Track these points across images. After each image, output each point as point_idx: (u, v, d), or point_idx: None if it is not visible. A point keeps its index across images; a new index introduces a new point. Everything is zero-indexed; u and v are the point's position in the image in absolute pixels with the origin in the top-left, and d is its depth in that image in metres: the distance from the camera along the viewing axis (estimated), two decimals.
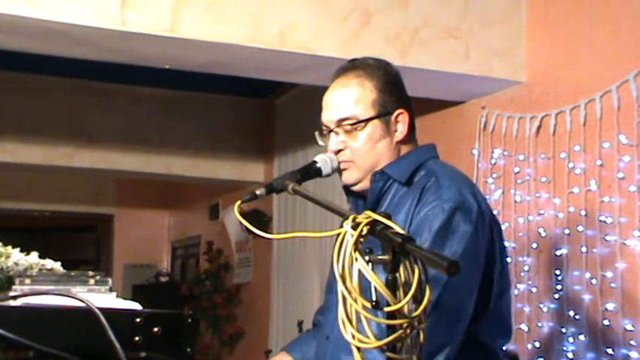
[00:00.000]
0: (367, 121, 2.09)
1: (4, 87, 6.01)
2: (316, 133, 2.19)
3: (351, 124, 2.10)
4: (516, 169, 3.91)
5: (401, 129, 2.13)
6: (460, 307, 1.96)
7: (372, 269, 1.40)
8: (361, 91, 2.11)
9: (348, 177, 2.14)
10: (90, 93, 6.28)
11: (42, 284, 1.81)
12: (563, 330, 3.53)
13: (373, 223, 1.45)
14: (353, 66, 2.16)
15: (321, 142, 2.19)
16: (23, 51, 3.62)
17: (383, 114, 2.10)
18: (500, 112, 4.07)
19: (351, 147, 2.11)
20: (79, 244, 10.52)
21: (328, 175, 2.13)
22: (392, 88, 2.13)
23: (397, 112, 2.12)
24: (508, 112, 4.02)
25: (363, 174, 2.12)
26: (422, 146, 2.20)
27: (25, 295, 1.67)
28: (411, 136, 2.16)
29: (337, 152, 2.12)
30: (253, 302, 7.15)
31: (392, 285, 1.41)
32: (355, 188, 2.16)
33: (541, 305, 3.68)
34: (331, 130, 2.13)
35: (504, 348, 2.22)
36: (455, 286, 1.91)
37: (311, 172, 2.08)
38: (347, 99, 2.11)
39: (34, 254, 2.35)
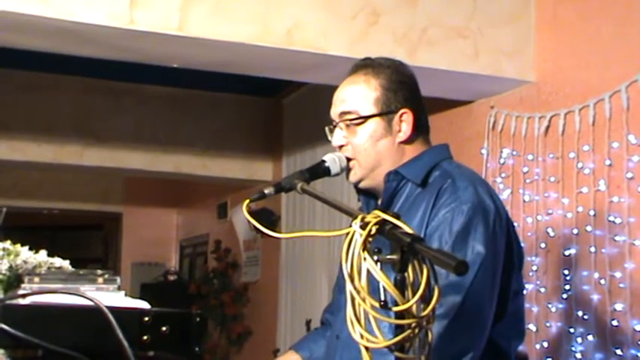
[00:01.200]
0: (367, 117, 2.09)
1: (14, 85, 6.03)
2: (327, 128, 2.19)
3: (351, 119, 2.10)
4: (525, 169, 3.90)
5: (404, 129, 2.10)
6: (483, 310, 1.95)
7: (381, 269, 1.40)
8: (365, 87, 2.11)
9: (351, 176, 2.14)
10: (99, 92, 6.29)
11: (51, 283, 1.81)
12: (572, 330, 3.52)
13: (382, 223, 1.44)
14: (364, 64, 2.17)
15: (330, 137, 2.19)
16: (32, 49, 3.63)
17: (385, 112, 2.09)
18: (509, 111, 4.06)
19: (352, 143, 2.11)
20: (88, 243, 10.55)
21: (337, 175, 2.13)
22: (399, 87, 2.11)
23: (401, 111, 2.10)
24: (517, 111, 4.01)
25: (364, 172, 2.12)
26: (435, 147, 2.18)
27: (34, 293, 1.67)
28: (416, 136, 2.13)
29: (341, 147, 2.13)
30: (261, 301, 7.15)
31: (400, 285, 1.41)
32: (360, 186, 2.16)
33: (549, 305, 3.67)
34: (336, 125, 2.14)
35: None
36: (478, 290, 1.91)
37: (319, 171, 2.08)
38: (351, 94, 2.12)
39: (43, 252, 2.35)
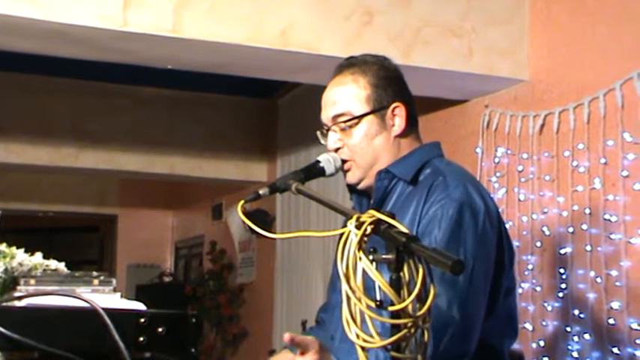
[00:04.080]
0: (361, 117, 2.09)
1: (9, 88, 6.02)
2: (318, 132, 2.19)
3: (345, 121, 2.10)
4: (520, 168, 3.90)
5: (398, 123, 2.11)
6: (476, 312, 1.95)
7: (376, 268, 1.40)
8: (355, 87, 2.11)
9: (350, 177, 2.14)
10: (94, 94, 6.29)
11: (46, 285, 1.81)
12: (568, 329, 3.53)
13: (377, 223, 1.44)
14: (349, 64, 2.16)
15: (323, 142, 2.19)
16: (27, 52, 3.62)
17: (378, 109, 2.10)
18: (504, 110, 4.06)
19: (348, 144, 2.11)
20: (83, 245, 10.54)
21: (332, 175, 2.13)
22: (387, 82, 2.12)
23: (393, 105, 2.11)
24: (511, 110, 4.01)
25: (363, 172, 2.12)
26: (427, 144, 2.19)
27: (29, 295, 1.67)
28: (410, 129, 2.14)
29: (336, 150, 2.13)
30: (257, 302, 7.15)
31: (396, 284, 1.41)
32: (359, 187, 2.15)
33: (545, 304, 3.67)
34: (329, 129, 2.14)
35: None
36: (473, 291, 1.91)
37: (314, 171, 2.08)
38: (341, 96, 2.11)
39: (39, 255, 2.34)
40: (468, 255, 1.92)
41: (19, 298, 1.64)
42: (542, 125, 3.81)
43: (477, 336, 1.96)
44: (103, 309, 1.51)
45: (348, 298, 1.41)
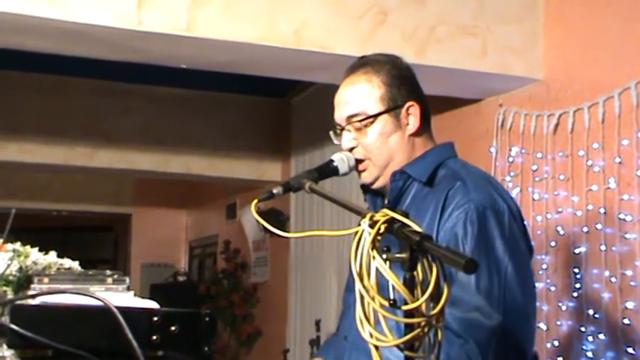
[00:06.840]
0: (376, 116, 2.08)
1: (23, 88, 6.05)
2: (331, 132, 2.19)
3: (360, 121, 2.09)
4: (534, 167, 3.89)
5: (413, 121, 2.10)
6: (520, 317, 1.94)
7: (390, 267, 1.39)
8: (369, 86, 2.10)
9: (366, 177, 2.13)
10: (108, 93, 6.31)
11: (60, 283, 1.81)
12: (583, 329, 3.51)
13: (391, 221, 1.44)
14: (362, 63, 2.15)
15: (336, 141, 2.19)
16: (41, 51, 3.64)
17: (392, 108, 2.09)
18: (518, 109, 4.05)
19: (363, 144, 2.10)
20: (97, 244, 10.57)
21: (345, 174, 2.12)
22: (401, 81, 2.11)
23: (408, 104, 2.10)
24: (526, 109, 4.00)
25: (379, 171, 2.11)
26: (440, 145, 2.17)
27: (43, 293, 1.67)
28: (424, 128, 2.13)
29: (351, 150, 2.12)
30: (271, 301, 7.16)
31: (410, 283, 1.40)
32: (374, 186, 2.15)
33: (560, 304, 3.66)
34: (343, 128, 2.13)
35: None
36: (513, 300, 1.90)
37: (328, 170, 2.07)
38: (355, 95, 2.11)
39: (53, 253, 2.35)
40: (499, 263, 1.90)
41: (33, 296, 1.64)
42: (557, 124, 3.80)
43: (531, 343, 1.95)
44: (117, 307, 1.51)
45: (362, 298, 1.40)
